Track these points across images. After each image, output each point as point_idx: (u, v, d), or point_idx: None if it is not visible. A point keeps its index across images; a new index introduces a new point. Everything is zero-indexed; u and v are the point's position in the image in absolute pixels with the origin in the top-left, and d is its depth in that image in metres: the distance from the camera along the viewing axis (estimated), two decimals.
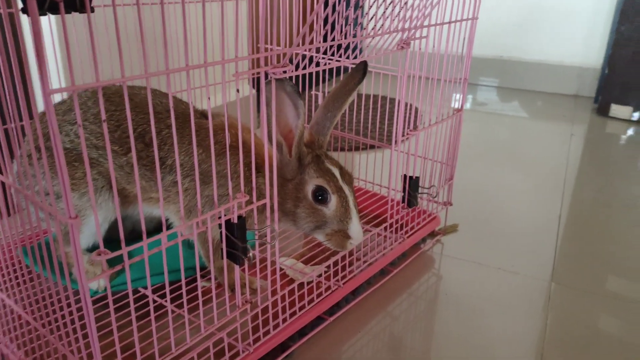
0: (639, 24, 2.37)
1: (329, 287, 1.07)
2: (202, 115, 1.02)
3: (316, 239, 1.00)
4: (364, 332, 1.07)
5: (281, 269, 1.15)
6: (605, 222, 1.58)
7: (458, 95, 1.30)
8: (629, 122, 2.52)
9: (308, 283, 1.06)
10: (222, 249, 0.78)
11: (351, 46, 0.90)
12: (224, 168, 0.93)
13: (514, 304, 1.18)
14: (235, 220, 0.77)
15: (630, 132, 2.41)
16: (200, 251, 1.03)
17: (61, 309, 0.75)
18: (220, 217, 0.76)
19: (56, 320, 0.76)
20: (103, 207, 1.00)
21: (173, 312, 0.75)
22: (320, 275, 1.08)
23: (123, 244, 0.63)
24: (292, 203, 0.97)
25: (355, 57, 0.96)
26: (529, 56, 2.99)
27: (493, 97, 2.93)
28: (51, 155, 0.92)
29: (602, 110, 2.58)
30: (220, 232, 0.77)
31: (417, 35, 1.02)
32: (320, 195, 0.95)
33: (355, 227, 0.97)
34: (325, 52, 0.92)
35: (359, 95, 2.57)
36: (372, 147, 1.94)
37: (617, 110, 2.53)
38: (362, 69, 0.98)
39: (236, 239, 0.77)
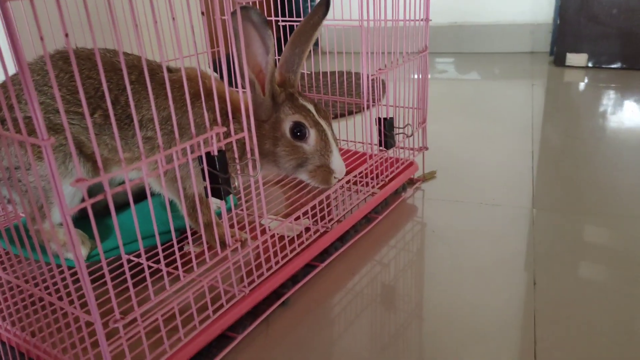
0: None
1: (317, 230, 1.06)
2: (163, 69, 0.99)
3: (297, 187, 0.99)
4: (356, 279, 1.06)
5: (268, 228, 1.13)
6: (573, 151, 1.63)
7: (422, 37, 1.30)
8: (585, 68, 2.59)
9: (297, 237, 1.04)
10: (203, 197, 0.76)
11: None
12: (196, 117, 0.91)
13: (500, 232, 1.19)
14: (215, 153, 0.75)
15: (586, 78, 2.48)
16: (176, 203, 1.00)
17: (53, 277, 0.72)
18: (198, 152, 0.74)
19: (54, 285, 0.72)
20: (74, 174, 0.96)
21: (168, 273, 0.73)
22: (308, 229, 1.06)
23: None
24: (270, 143, 0.95)
25: None
26: (482, 19, 3.04)
27: (452, 64, 2.97)
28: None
29: (558, 61, 2.65)
30: (203, 172, 0.75)
31: None
32: (298, 131, 0.94)
33: (337, 160, 0.96)
34: None
35: (324, 73, 2.56)
36: (349, 113, 1.94)
37: (572, 58, 2.60)
38: (324, 3, 0.97)
39: (218, 172, 0.75)
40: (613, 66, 2.55)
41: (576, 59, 2.59)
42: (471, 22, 3.07)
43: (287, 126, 0.95)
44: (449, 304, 0.96)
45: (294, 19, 1.49)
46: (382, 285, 1.05)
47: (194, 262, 0.76)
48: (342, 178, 1.02)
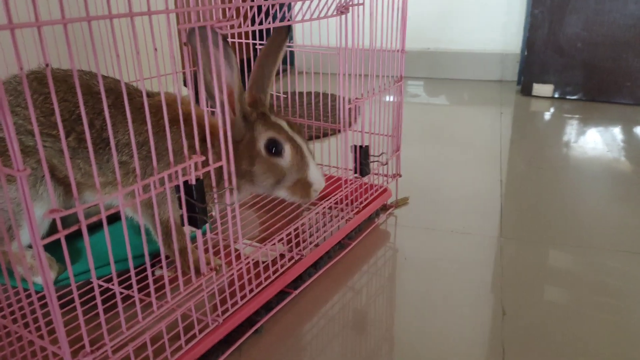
0: (550, 6, 2.55)
1: (291, 258, 1.06)
2: (140, 93, 0.98)
3: (272, 211, 0.99)
4: (329, 306, 1.06)
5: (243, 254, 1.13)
6: (540, 182, 1.68)
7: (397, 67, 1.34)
8: (551, 99, 2.69)
9: (272, 262, 1.04)
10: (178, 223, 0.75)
11: (292, 8, 0.91)
12: (174, 143, 0.90)
13: (469, 259, 1.22)
14: (194, 182, 0.74)
15: (552, 108, 2.57)
16: (150, 228, 0.99)
17: (19, 301, 0.70)
18: (175, 180, 0.73)
19: (20, 313, 0.70)
20: (45, 198, 0.94)
21: (140, 299, 0.71)
22: (283, 255, 1.06)
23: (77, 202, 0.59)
24: (246, 162, 0.95)
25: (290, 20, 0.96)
26: (453, 47, 3.13)
27: (424, 88, 3.03)
28: None
29: (525, 90, 2.74)
30: (179, 199, 0.75)
31: (355, 1, 1.04)
32: (273, 148, 0.94)
33: (314, 172, 0.96)
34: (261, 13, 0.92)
35: (300, 93, 2.59)
36: (324, 135, 1.96)
37: (539, 89, 2.69)
38: (285, 28, 1.00)
39: (195, 201, 0.74)
40: (577, 97, 2.65)
41: (542, 89, 2.68)
42: (443, 48, 3.15)
43: (261, 144, 0.94)
44: (418, 332, 0.97)
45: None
46: (354, 311, 1.05)
47: (167, 289, 0.75)
48: (320, 204, 1.02)
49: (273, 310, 1.00)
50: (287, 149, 0.95)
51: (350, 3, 1.03)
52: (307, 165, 0.96)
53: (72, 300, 0.91)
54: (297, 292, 1.06)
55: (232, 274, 0.87)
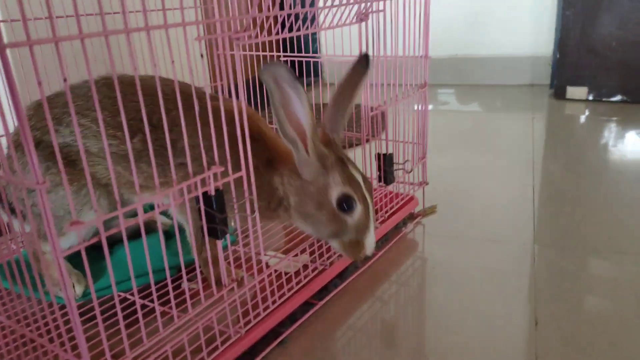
0: (582, 6, 2.48)
1: (315, 268, 1.04)
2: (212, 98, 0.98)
3: (300, 230, 0.96)
4: (356, 317, 1.04)
5: (267, 264, 1.12)
6: (575, 187, 1.62)
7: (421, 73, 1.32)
8: (585, 101, 2.60)
9: (295, 274, 1.03)
10: (202, 230, 0.75)
11: (309, 17, 0.90)
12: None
13: (501, 268, 1.18)
14: (213, 193, 0.74)
15: (587, 111, 2.49)
16: (185, 226, 0.98)
17: (44, 317, 0.71)
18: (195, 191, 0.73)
19: (45, 325, 0.71)
20: (102, 203, 0.95)
21: (163, 313, 0.72)
22: (306, 267, 1.05)
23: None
24: (313, 207, 0.90)
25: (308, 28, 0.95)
26: (483, 52, 3.08)
27: (454, 95, 2.99)
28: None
29: (558, 94, 2.66)
30: (199, 211, 0.75)
31: (374, 8, 1.04)
32: (345, 204, 0.89)
33: (370, 237, 0.92)
34: (282, 24, 0.91)
35: (324, 105, 2.59)
36: (350, 146, 1.95)
37: (572, 92, 2.61)
38: (364, 61, 0.94)
39: (214, 211, 0.74)
40: (613, 99, 2.56)
41: (576, 92, 2.60)
42: (472, 54, 3.11)
43: (334, 195, 0.89)
44: (449, 343, 0.94)
45: (296, 54, 1.51)
46: (382, 322, 1.03)
47: (189, 302, 0.75)
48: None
49: (297, 321, 0.99)
50: (358, 210, 0.90)
51: (370, 10, 1.02)
52: (367, 229, 0.92)
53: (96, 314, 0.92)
54: (322, 303, 1.05)
55: (255, 286, 0.87)
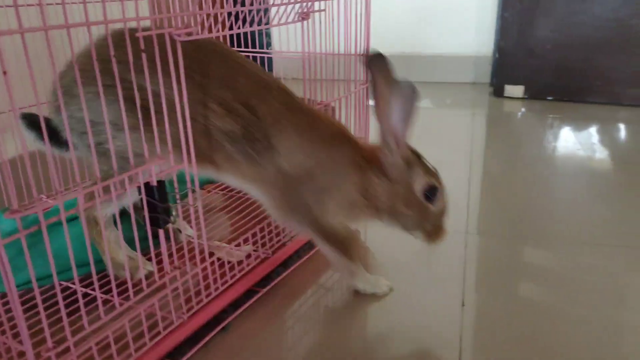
0: (519, 9, 2.62)
1: (258, 257, 1.08)
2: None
3: (242, 213, 1.01)
4: (299, 303, 1.09)
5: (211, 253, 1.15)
6: (512, 180, 1.73)
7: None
8: (522, 99, 2.75)
9: (238, 263, 1.06)
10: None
11: (255, 14, 0.94)
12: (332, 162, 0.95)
13: (435, 256, 1.25)
14: (155, 183, 0.77)
15: (523, 108, 2.63)
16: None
17: None
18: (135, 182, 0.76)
19: None
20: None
21: (106, 301, 0.74)
22: (249, 256, 1.09)
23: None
24: (402, 204, 0.96)
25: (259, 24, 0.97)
26: (429, 50, 3.19)
27: None
28: None
29: (497, 92, 2.80)
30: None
31: (316, 7, 1.08)
32: (430, 194, 0.96)
33: (446, 222, 1.00)
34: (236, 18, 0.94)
35: None
36: None
37: (510, 90, 2.76)
38: (378, 58, 0.95)
39: (156, 201, 0.77)
40: (548, 98, 2.72)
41: (514, 90, 2.75)
42: (419, 52, 3.21)
43: (419, 187, 0.96)
44: (387, 323, 1.02)
45: (243, 49, 1.54)
46: (325, 308, 1.08)
47: (130, 285, 0.77)
48: None
49: (240, 308, 1.03)
50: (441, 198, 0.98)
51: (312, 9, 1.07)
52: (445, 213, 0.99)
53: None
54: (264, 290, 1.09)
55: (197, 274, 0.90)
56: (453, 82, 3.18)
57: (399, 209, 0.97)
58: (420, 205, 0.96)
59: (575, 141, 2.12)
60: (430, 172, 0.97)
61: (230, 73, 0.91)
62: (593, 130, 2.27)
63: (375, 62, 0.92)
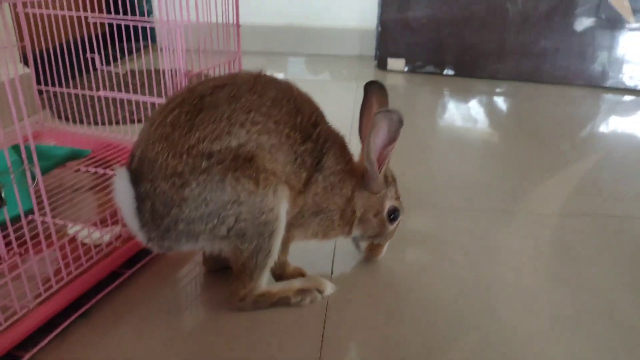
0: None
1: (120, 236, 1.03)
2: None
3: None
4: (171, 282, 1.06)
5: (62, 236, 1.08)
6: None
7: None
8: (403, 73, 2.87)
9: (96, 245, 1.00)
10: None
11: None
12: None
13: None
14: None
15: (404, 81, 2.75)
16: None
17: None
18: None
19: None
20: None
21: None
22: (119, 237, 1.03)
23: None
24: (372, 213, 1.05)
25: None
26: (317, 23, 3.20)
27: (287, 64, 3.07)
28: None
29: (381, 65, 2.89)
30: None
31: None
32: (393, 216, 1.07)
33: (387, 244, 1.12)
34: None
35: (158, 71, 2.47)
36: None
37: (392, 63, 2.86)
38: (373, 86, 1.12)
39: None
40: (425, 70, 2.85)
41: (395, 63, 2.85)
42: (307, 25, 3.21)
43: (387, 206, 1.06)
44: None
45: (111, 16, 1.43)
46: (201, 287, 1.06)
47: None
48: None
49: (101, 292, 0.98)
50: (397, 223, 1.09)
51: None
52: (390, 238, 1.11)
53: None
54: (130, 272, 1.04)
55: (44, 257, 0.84)
56: (340, 55, 3.23)
57: (369, 218, 1.06)
58: (382, 221, 1.07)
59: (454, 112, 2.25)
60: (398, 198, 1.09)
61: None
62: (470, 102, 2.43)
63: (373, 88, 1.10)
